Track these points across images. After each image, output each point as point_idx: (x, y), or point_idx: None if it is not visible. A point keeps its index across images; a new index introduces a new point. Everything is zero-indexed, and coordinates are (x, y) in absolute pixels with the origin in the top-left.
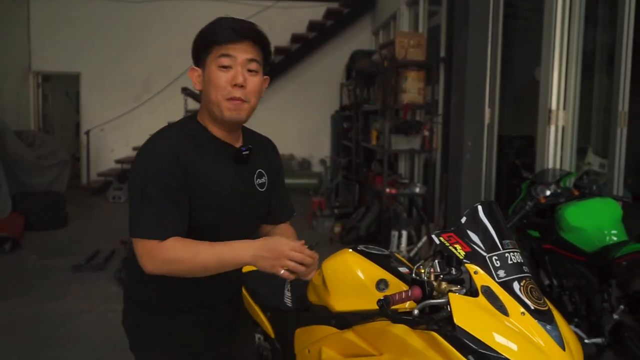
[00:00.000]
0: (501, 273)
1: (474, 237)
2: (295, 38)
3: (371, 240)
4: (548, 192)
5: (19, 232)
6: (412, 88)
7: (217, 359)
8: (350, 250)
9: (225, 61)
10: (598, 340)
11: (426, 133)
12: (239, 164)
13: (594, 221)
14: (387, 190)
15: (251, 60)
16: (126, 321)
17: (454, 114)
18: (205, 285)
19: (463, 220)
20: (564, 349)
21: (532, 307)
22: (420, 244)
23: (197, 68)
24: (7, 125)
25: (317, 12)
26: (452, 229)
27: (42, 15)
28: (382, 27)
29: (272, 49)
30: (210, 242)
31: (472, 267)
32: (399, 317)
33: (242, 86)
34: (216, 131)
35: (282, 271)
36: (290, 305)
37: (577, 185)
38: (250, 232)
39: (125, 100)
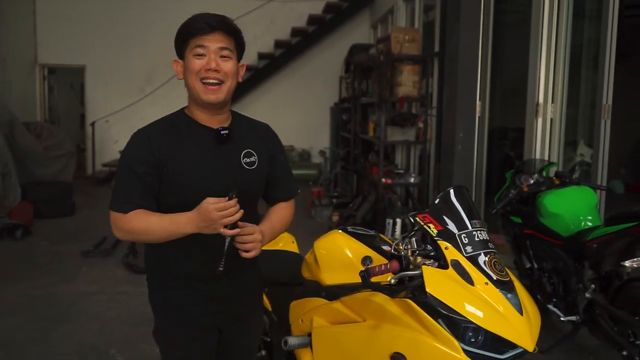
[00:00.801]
0: (469, 249)
1: (446, 217)
2: (295, 32)
3: (368, 229)
4: (531, 181)
5: (29, 219)
6: (407, 81)
7: (220, 333)
8: (340, 230)
9: (199, 50)
10: (573, 318)
11: (421, 125)
12: (221, 145)
13: (570, 207)
14: (383, 180)
15: (223, 48)
16: (148, 292)
17: (446, 106)
18: (198, 259)
19: (437, 202)
20: (522, 314)
21: (495, 278)
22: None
23: (179, 60)
24: (16, 117)
25: (316, 6)
26: (427, 210)
27: (47, 8)
28: (380, 21)
29: (273, 42)
30: (162, 215)
31: (443, 243)
32: (377, 286)
33: (216, 70)
34: (202, 117)
35: (222, 229)
36: (221, 269)
37: (557, 175)
38: (246, 206)
39: (129, 92)
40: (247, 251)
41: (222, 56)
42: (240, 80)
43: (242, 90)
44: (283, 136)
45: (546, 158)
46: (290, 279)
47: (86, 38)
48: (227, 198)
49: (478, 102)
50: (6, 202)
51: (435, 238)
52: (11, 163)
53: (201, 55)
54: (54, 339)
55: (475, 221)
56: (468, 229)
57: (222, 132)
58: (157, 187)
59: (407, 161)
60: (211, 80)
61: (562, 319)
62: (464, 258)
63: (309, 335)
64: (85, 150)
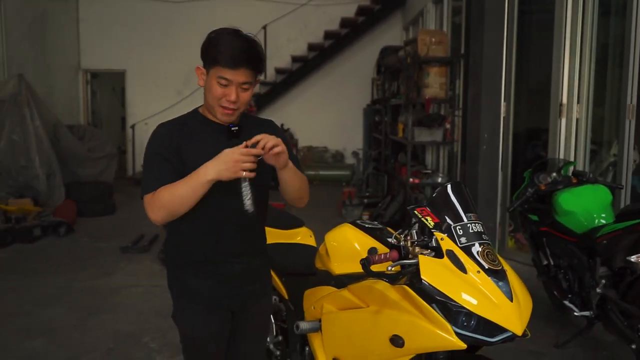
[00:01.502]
0: (463, 240)
1: (442, 210)
2: (328, 35)
3: (395, 228)
4: (549, 180)
5: (72, 217)
6: (434, 83)
7: (233, 314)
8: (349, 224)
9: (223, 82)
10: (587, 313)
11: (448, 126)
12: (231, 140)
13: (584, 205)
14: (411, 180)
15: (244, 82)
16: (167, 278)
17: (471, 107)
18: (212, 245)
19: (435, 196)
20: (512, 301)
21: (487, 267)
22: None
23: (202, 68)
24: (61, 121)
25: (349, 9)
26: (425, 203)
27: (90, 15)
28: (411, 24)
29: (307, 45)
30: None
31: (439, 235)
32: (375, 273)
33: (234, 102)
34: (212, 116)
35: (244, 173)
36: (250, 209)
37: (575, 173)
38: (257, 195)
39: (167, 95)
40: (275, 153)
41: (242, 88)
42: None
43: (276, 93)
44: (317, 137)
45: (571, 158)
46: (305, 269)
47: (126, 43)
48: (244, 145)
49: (503, 103)
50: (51, 201)
51: (432, 230)
52: (56, 164)
53: (224, 85)
54: (92, 327)
55: (470, 214)
56: (463, 221)
57: (232, 129)
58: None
59: (436, 161)
60: (229, 107)
61: (575, 314)
62: (458, 248)
63: (320, 320)
64: (126, 152)
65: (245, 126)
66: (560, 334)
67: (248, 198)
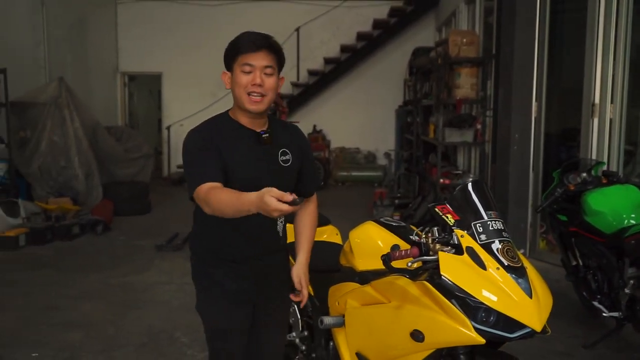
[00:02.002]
0: (483, 237)
1: (463, 208)
2: (360, 36)
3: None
4: (578, 180)
5: (109, 216)
6: (465, 84)
7: (255, 307)
8: (372, 221)
9: (247, 68)
10: (616, 314)
11: (479, 126)
12: (263, 145)
13: (613, 205)
14: (441, 180)
15: (267, 66)
16: (192, 271)
17: (501, 107)
18: (239, 244)
19: (455, 194)
20: (531, 297)
21: (506, 264)
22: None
23: (227, 72)
24: (99, 122)
25: (381, 11)
26: (445, 201)
27: (128, 19)
28: (444, 24)
29: (339, 47)
30: (231, 191)
31: (459, 232)
32: (395, 269)
33: (260, 85)
34: (245, 120)
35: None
36: (281, 231)
37: (605, 174)
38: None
39: (202, 97)
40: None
41: (265, 73)
42: (278, 90)
43: (308, 94)
44: (349, 139)
45: (604, 159)
46: (330, 266)
47: (163, 46)
48: (288, 193)
49: (534, 103)
50: (89, 201)
51: (452, 227)
52: (94, 164)
53: (248, 72)
54: (127, 322)
55: (490, 212)
56: (483, 219)
57: (263, 135)
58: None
59: (467, 162)
60: (256, 94)
61: (604, 314)
62: (477, 245)
63: (343, 316)
64: (162, 153)
65: (274, 131)
66: (588, 335)
67: (281, 220)
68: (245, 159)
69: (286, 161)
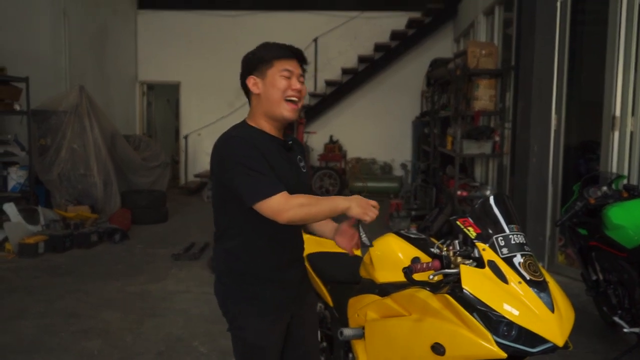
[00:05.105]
0: (505, 250)
1: (484, 221)
2: (378, 47)
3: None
4: (599, 194)
5: (126, 225)
6: (483, 95)
7: (289, 317)
8: (393, 233)
9: (286, 73)
10: (637, 329)
11: (497, 138)
12: (286, 152)
13: (634, 219)
14: (459, 192)
15: (300, 74)
16: (218, 290)
17: (520, 120)
18: (279, 254)
19: (477, 207)
20: (553, 312)
21: (528, 278)
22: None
23: (256, 77)
24: (118, 131)
25: (399, 22)
26: (467, 214)
27: (147, 30)
28: (462, 35)
29: (357, 57)
30: (321, 197)
31: (481, 245)
32: (417, 282)
33: (299, 90)
34: (268, 128)
35: (368, 218)
36: (369, 243)
37: (626, 187)
38: None
39: (219, 106)
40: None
41: (299, 81)
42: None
43: (326, 104)
44: (366, 149)
45: (625, 173)
46: (349, 278)
47: (181, 56)
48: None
49: (554, 115)
50: (107, 209)
51: (474, 240)
52: (112, 173)
53: (287, 77)
54: (145, 330)
55: (512, 226)
56: (505, 232)
57: (289, 143)
58: None
59: (485, 174)
60: (294, 99)
61: (625, 330)
62: (499, 259)
63: (363, 327)
64: (179, 162)
65: (289, 138)
66: (609, 351)
67: (364, 235)
68: (281, 166)
69: (304, 167)
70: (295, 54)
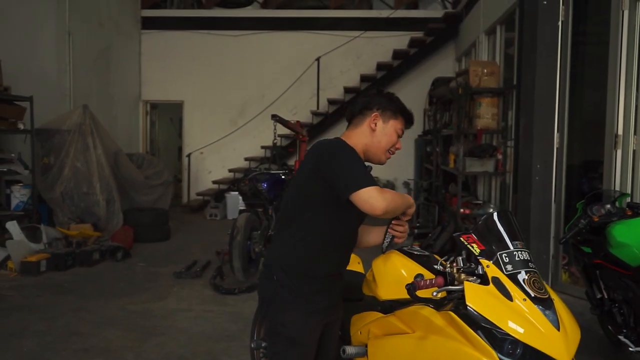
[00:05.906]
0: (509, 267)
1: (488, 238)
2: (380, 66)
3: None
4: (602, 211)
5: (129, 243)
6: (486, 114)
7: (326, 323)
8: (396, 250)
9: (400, 132)
10: None
11: (500, 156)
12: None
13: (638, 237)
14: (462, 210)
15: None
16: (266, 284)
17: (522, 138)
18: (330, 260)
19: (481, 224)
20: (558, 329)
21: (533, 295)
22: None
23: (380, 116)
24: (121, 149)
25: (401, 41)
26: (471, 231)
27: (151, 49)
28: (464, 55)
29: (359, 76)
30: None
31: (485, 262)
32: (420, 298)
33: (398, 149)
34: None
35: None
36: (385, 248)
37: (630, 206)
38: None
39: (222, 125)
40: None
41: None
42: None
43: (328, 123)
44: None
45: (628, 191)
46: (352, 295)
47: (185, 75)
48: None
49: (556, 134)
50: (110, 227)
51: (478, 257)
52: (115, 190)
53: (399, 136)
54: (146, 349)
55: (516, 242)
56: (509, 249)
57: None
58: None
59: (488, 192)
60: (391, 154)
61: (631, 349)
62: (504, 276)
63: (366, 345)
64: (181, 181)
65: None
66: None
67: (388, 239)
68: None
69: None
70: (411, 124)
